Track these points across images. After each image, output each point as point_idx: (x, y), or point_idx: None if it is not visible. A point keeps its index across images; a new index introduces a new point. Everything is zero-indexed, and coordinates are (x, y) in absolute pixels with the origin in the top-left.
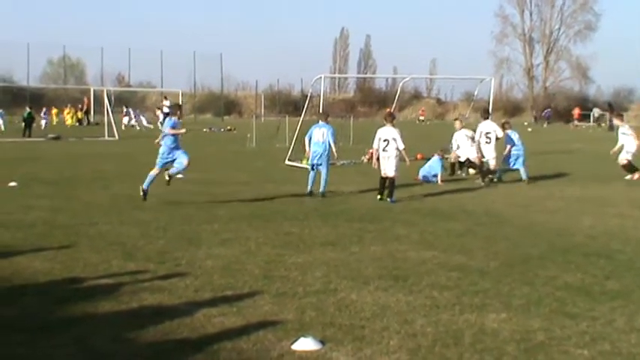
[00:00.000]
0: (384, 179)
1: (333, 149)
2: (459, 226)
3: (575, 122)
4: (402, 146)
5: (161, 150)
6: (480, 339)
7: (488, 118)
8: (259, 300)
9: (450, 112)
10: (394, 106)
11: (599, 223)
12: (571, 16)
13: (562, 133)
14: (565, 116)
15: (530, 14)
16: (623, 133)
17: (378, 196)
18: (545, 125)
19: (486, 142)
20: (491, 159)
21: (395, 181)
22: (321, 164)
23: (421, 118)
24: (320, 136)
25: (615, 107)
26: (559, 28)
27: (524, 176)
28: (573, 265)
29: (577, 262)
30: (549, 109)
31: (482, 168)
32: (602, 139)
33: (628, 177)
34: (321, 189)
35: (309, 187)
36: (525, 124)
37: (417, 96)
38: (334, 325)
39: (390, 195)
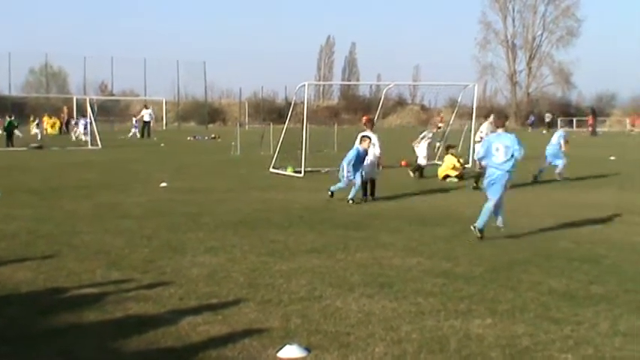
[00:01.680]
0: (365, 182)
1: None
2: (445, 232)
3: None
4: (378, 152)
5: None
6: (465, 345)
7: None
8: (244, 308)
9: (433, 119)
10: (378, 112)
11: (583, 228)
12: (553, 22)
13: (546, 137)
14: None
15: (513, 21)
16: None
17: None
18: (529, 130)
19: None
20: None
21: (375, 182)
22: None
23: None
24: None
25: (598, 112)
26: (541, 34)
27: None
28: (558, 270)
29: (562, 267)
30: (533, 116)
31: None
32: (586, 144)
33: None
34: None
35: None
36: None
37: (400, 103)
38: (319, 332)
39: (372, 194)
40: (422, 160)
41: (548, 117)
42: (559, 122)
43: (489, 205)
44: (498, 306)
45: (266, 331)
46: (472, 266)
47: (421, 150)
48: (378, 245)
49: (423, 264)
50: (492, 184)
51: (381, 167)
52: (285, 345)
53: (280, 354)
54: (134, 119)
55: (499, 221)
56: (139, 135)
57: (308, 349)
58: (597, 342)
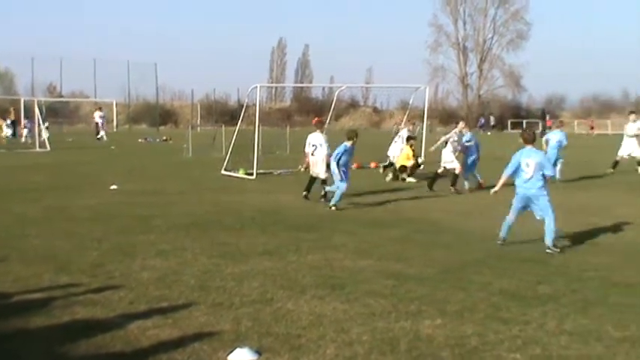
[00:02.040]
0: (313, 178)
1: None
2: (397, 233)
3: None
4: (325, 152)
5: None
6: (416, 345)
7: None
8: (195, 311)
9: (385, 121)
10: (330, 114)
11: (535, 229)
12: (503, 26)
13: (497, 139)
14: (499, 124)
15: (464, 24)
16: None
17: (304, 192)
18: (489, 133)
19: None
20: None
21: (327, 181)
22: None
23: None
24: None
25: (547, 114)
26: (492, 37)
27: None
28: (508, 271)
29: (512, 267)
30: (483, 118)
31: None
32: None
33: None
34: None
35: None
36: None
37: (353, 105)
38: (271, 335)
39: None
40: (453, 165)
41: (492, 120)
42: (509, 124)
43: (509, 218)
44: (448, 307)
45: (217, 334)
46: (424, 267)
47: (447, 155)
48: (330, 247)
49: (374, 265)
50: (518, 200)
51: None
52: (235, 348)
53: (231, 357)
54: (100, 121)
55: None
56: (105, 137)
57: (259, 352)
58: (545, 341)
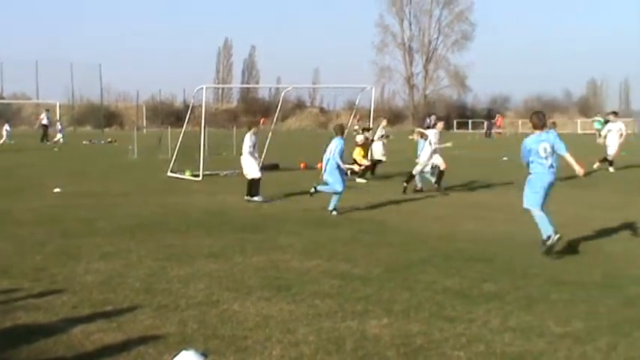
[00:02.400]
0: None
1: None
2: (344, 234)
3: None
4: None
5: None
6: (362, 345)
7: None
8: (140, 314)
9: (332, 121)
10: (276, 115)
11: (480, 228)
12: (448, 26)
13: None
14: (444, 124)
15: (410, 24)
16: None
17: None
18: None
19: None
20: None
21: (259, 182)
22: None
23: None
24: (329, 151)
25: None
26: (437, 38)
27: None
28: (453, 270)
29: (457, 266)
30: (429, 118)
31: None
32: (481, 145)
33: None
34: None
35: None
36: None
37: (299, 105)
38: (217, 337)
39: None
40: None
41: (433, 119)
42: (455, 124)
43: (539, 214)
44: (394, 306)
45: (162, 337)
46: (370, 267)
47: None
48: (276, 248)
49: (321, 266)
50: (538, 190)
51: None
52: (181, 351)
53: None
54: (58, 125)
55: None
56: (62, 140)
57: (205, 355)
58: (488, 339)
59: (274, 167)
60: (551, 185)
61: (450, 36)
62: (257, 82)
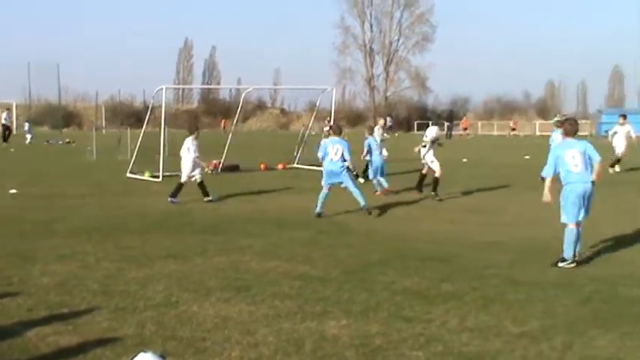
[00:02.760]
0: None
1: (350, 166)
2: (303, 235)
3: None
4: (192, 155)
5: None
6: (321, 346)
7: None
8: (97, 316)
9: (293, 122)
10: (237, 116)
11: (437, 229)
12: (409, 28)
13: (403, 140)
14: (405, 125)
15: (371, 26)
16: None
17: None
18: (396, 135)
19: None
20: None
21: (182, 184)
22: (342, 182)
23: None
24: (334, 154)
25: (454, 116)
26: (398, 40)
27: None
28: (411, 270)
29: (415, 266)
30: (391, 118)
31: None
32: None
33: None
34: (362, 204)
35: (318, 208)
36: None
37: (260, 106)
38: (175, 339)
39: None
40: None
41: (389, 121)
42: (415, 125)
43: (570, 231)
44: (353, 307)
45: (120, 339)
46: (329, 268)
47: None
48: (236, 249)
49: (280, 267)
50: (575, 201)
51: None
52: (139, 353)
53: None
54: (26, 125)
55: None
56: (31, 141)
57: (163, 356)
58: (446, 338)
59: (235, 168)
60: (587, 195)
61: (411, 38)
62: (218, 83)
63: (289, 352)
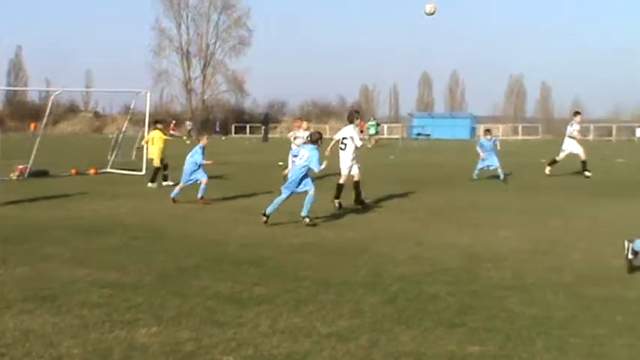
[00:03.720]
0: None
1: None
2: (115, 241)
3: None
4: None
5: None
6: (129, 355)
7: (352, 122)
8: None
9: (108, 125)
10: (45, 120)
11: (251, 232)
12: (226, 32)
13: (221, 144)
14: (223, 129)
15: (187, 28)
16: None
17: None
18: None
19: (341, 149)
20: (344, 168)
21: None
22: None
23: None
24: (299, 158)
25: (270, 119)
26: (215, 43)
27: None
28: (225, 274)
29: (229, 270)
30: (218, 122)
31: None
32: (257, 150)
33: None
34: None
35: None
36: (184, 137)
37: (73, 109)
38: None
39: None
40: (344, 172)
41: (189, 125)
42: (233, 129)
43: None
44: (165, 313)
45: None
46: (141, 275)
47: (343, 159)
48: (41, 258)
49: (90, 275)
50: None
51: None
52: None
53: None
54: None
55: None
56: None
57: None
58: (258, 342)
59: (43, 174)
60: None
61: (228, 41)
62: (25, 84)
63: None
